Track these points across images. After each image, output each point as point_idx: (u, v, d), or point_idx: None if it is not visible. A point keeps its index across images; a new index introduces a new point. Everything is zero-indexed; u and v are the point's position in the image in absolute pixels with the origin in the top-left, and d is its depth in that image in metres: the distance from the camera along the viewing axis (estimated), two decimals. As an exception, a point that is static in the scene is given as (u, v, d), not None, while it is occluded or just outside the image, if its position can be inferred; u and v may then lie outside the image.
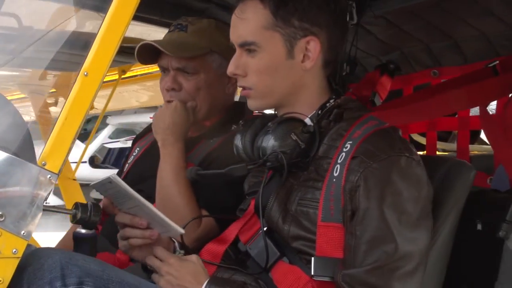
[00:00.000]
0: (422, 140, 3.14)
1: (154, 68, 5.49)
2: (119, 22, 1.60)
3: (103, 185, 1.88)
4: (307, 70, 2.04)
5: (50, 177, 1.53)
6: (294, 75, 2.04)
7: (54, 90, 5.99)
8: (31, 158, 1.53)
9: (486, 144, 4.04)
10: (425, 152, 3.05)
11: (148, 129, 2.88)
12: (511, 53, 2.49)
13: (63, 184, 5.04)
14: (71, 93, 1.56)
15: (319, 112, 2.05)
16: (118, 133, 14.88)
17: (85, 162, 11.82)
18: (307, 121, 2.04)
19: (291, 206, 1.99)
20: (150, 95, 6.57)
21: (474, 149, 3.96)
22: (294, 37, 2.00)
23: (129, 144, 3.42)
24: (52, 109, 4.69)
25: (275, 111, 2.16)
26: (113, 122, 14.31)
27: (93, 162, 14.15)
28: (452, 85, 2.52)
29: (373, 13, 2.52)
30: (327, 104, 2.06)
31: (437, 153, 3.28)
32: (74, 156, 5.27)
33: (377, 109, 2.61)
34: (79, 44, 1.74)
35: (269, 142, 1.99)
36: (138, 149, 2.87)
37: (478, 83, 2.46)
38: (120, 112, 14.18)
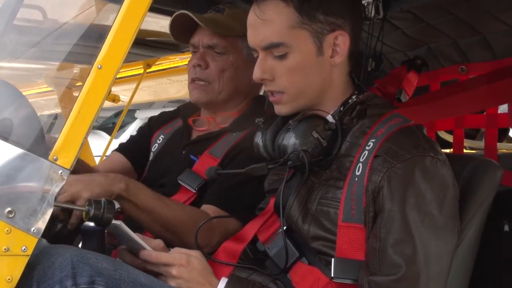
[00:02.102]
0: (449, 138, 3.07)
1: (181, 62, 5.47)
2: (134, 15, 1.55)
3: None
4: (336, 65, 1.99)
5: (61, 173, 1.49)
6: (324, 72, 1.98)
7: (81, 83, 6.00)
8: (43, 153, 1.49)
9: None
10: (451, 150, 2.98)
11: (174, 115, 2.84)
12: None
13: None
14: (84, 87, 1.52)
15: (341, 108, 1.99)
16: (147, 127, 14.88)
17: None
18: (329, 118, 1.98)
19: (311, 205, 1.94)
20: (178, 89, 6.56)
21: (502, 148, 3.87)
22: (322, 32, 1.94)
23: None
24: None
25: None
26: (142, 116, 14.27)
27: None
28: (480, 82, 2.44)
29: (400, 7, 2.45)
30: (350, 101, 2.00)
31: (464, 151, 3.20)
32: (99, 149, 5.26)
33: (402, 105, 2.54)
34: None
35: (290, 140, 1.93)
36: (162, 136, 2.80)
37: (507, 80, 2.38)
38: (149, 106, 14.19)
